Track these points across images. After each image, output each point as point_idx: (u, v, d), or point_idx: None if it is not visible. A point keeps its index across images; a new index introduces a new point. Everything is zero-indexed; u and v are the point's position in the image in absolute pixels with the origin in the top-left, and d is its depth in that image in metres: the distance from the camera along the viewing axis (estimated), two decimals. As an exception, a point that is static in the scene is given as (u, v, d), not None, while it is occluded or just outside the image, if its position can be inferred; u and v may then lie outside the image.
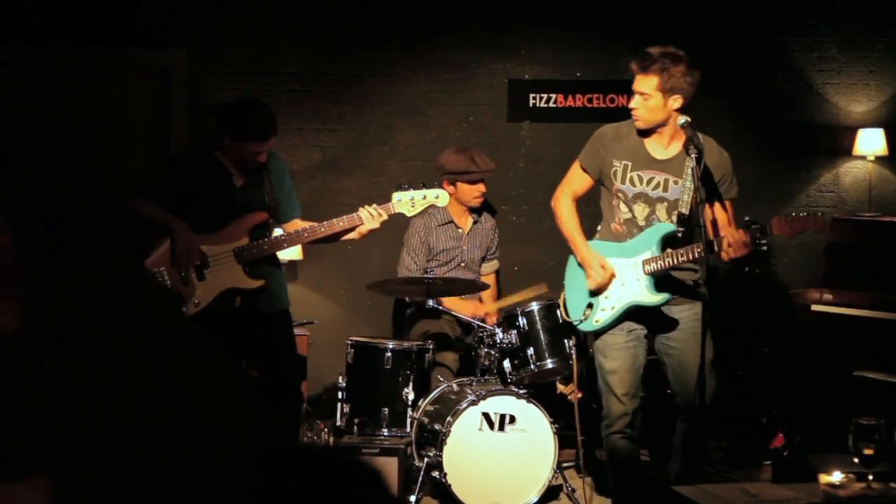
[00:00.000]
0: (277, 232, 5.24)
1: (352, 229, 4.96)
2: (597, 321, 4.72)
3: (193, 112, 6.76)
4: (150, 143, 6.81)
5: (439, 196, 5.05)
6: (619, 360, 4.69)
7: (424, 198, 5.01)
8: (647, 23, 7.01)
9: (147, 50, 6.72)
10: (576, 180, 4.83)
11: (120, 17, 6.62)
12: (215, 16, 6.77)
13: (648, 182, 4.61)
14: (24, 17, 6.51)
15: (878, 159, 7.28)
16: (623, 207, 4.67)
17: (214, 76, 6.78)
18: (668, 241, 4.59)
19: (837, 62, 7.32)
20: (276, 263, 5.09)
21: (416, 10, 6.95)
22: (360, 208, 4.93)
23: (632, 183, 4.62)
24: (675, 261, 4.52)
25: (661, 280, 4.61)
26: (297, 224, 5.09)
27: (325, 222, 4.95)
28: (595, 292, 4.72)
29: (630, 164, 4.62)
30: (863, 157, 7.28)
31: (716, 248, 4.40)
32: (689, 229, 4.54)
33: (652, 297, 4.61)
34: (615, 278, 4.67)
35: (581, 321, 4.78)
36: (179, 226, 4.80)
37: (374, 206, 4.94)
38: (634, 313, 4.67)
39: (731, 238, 4.37)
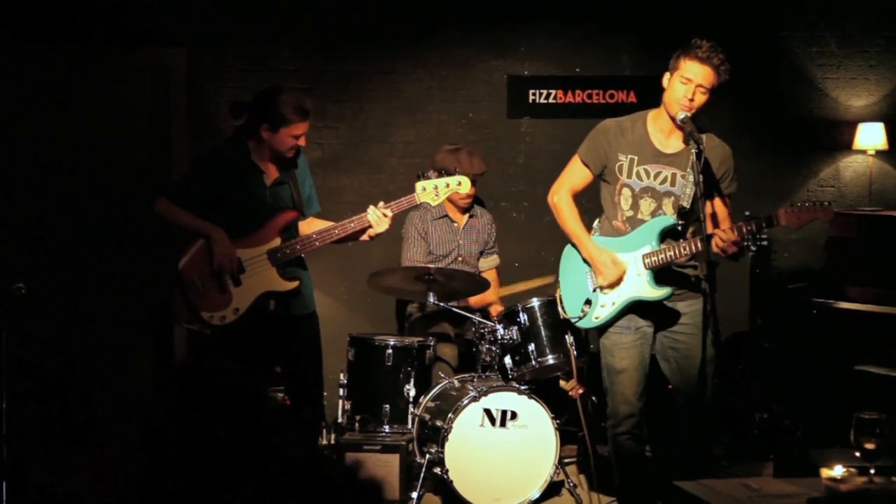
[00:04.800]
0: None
1: (363, 231, 4.80)
2: (596, 318, 4.64)
3: (194, 110, 6.76)
4: (150, 142, 6.82)
5: (461, 183, 4.90)
6: (627, 359, 4.61)
7: (447, 185, 4.86)
8: (647, 19, 7.01)
9: (147, 48, 6.71)
10: (575, 174, 4.77)
11: (120, 16, 6.62)
12: (215, 14, 6.77)
13: (656, 176, 4.57)
14: (24, 15, 6.50)
15: (879, 153, 7.28)
16: (626, 204, 4.61)
17: (215, 74, 6.78)
18: (668, 235, 4.56)
19: (837, 57, 7.32)
20: (304, 265, 4.92)
21: (415, 8, 6.95)
22: (370, 207, 4.77)
23: (638, 177, 4.57)
24: (676, 253, 4.47)
25: (662, 274, 4.55)
26: (314, 222, 4.94)
27: (339, 224, 4.79)
28: (597, 288, 4.64)
29: (636, 157, 4.57)
30: (863, 152, 7.29)
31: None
32: (688, 223, 4.52)
33: (653, 292, 4.54)
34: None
35: (580, 318, 4.72)
36: (217, 234, 4.64)
37: (382, 203, 4.77)
38: (640, 309, 4.59)
39: (720, 240, 4.39)
